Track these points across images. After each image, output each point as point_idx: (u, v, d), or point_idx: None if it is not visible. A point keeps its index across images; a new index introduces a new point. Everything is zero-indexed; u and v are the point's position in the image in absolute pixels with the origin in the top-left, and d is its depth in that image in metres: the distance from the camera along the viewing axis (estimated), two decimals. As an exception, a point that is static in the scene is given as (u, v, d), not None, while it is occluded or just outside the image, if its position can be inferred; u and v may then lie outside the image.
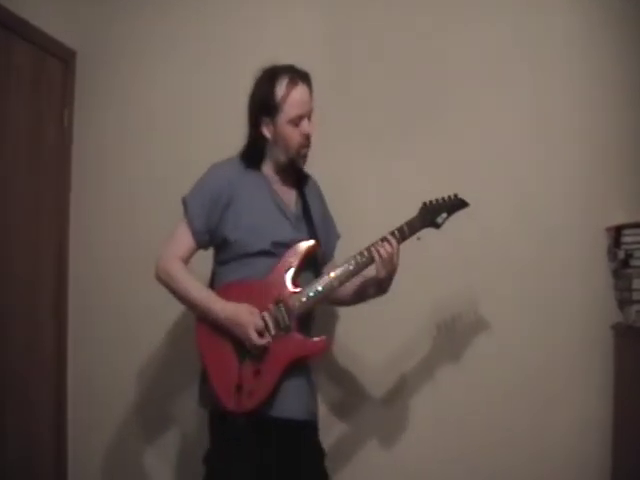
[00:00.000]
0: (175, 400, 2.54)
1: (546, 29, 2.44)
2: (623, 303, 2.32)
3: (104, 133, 2.65)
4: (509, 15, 2.46)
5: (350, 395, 2.49)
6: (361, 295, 2.09)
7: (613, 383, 2.34)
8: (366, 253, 1.95)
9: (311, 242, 1.98)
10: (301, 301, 1.91)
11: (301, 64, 2.01)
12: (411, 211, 2.01)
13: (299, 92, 1.96)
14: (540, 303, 2.40)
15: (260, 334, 1.86)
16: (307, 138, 2.00)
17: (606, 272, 2.37)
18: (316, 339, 1.94)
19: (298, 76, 1.98)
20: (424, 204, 2.03)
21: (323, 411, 2.34)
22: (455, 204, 2.04)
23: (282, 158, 2.01)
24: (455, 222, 2.37)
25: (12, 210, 2.38)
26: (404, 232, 1.97)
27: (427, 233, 1.98)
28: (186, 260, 1.98)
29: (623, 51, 2.41)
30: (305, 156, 2.03)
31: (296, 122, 1.96)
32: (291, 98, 1.95)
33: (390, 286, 2.00)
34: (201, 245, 1.99)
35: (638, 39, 2.40)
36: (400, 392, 2.46)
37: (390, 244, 1.94)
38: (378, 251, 1.93)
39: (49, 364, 2.56)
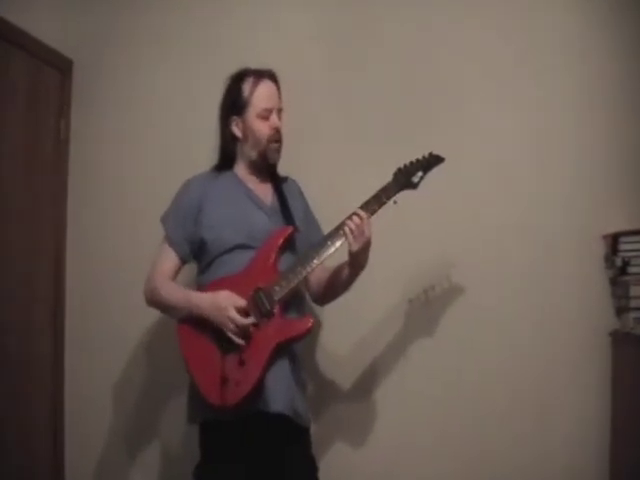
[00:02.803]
0: (173, 417, 2.53)
1: (545, 32, 2.43)
2: (620, 310, 2.31)
3: (101, 143, 2.64)
4: (508, 18, 2.45)
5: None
6: (336, 282, 2.07)
7: (611, 390, 2.33)
8: (339, 231, 1.94)
9: (288, 227, 1.99)
10: (281, 285, 1.90)
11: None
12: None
13: (265, 87, 2.03)
14: (537, 310, 2.39)
15: (244, 314, 1.85)
16: (277, 131, 2.04)
17: (603, 279, 2.37)
18: (300, 319, 1.92)
19: (264, 74, 2.05)
20: (398, 168, 2.03)
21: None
22: (430, 161, 2.04)
23: (253, 154, 2.05)
24: (453, 227, 2.42)
25: (8, 223, 2.36)
26: (380, 198, 1.97)
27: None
28: (172, 276, 2.02)
29: (623, 54, 2.40)
30: (277, 151, 2.06)
31: (265, 116, 2.02)
32: (257, 92, 2.02)
33: (367, 262, 1.99)
34: (183, 256, 2.03)
35: (638, 41, 2.40)
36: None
37: (358, 216, 1.93)
38: (348, 225, 1.93)
39: (46, 379, 2.55)
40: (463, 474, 2.40)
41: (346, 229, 1.92)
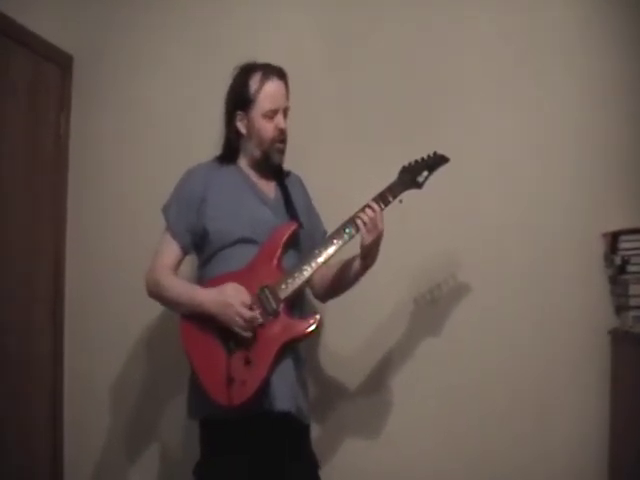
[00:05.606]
0: (173, 417, 2.52)
1: (545, 32, 2.44)
2: (620, 309, 2.32)
3: (101, 139, 2.64)
4: (508, 18, 2.45)
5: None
6: (344, 277, 2.06)
7: (610, 388, 2.34)
8: (350, 225, 1.94)
9: (292, 224, 1.98)
10: (287, 283, 1.89)
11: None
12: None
13: (273, 86, 2.00)
14: (537, 310, 2.39)
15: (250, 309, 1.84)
16: (282, 132, 2.02)
17: (603, 278, 2.37)
18: (305, 318, 1.91)
19: (272, 71, 2.01)
20: (403, 167, 2.03)
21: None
22: (435, 161, 2.03)
23: (256, 153, 2.03)
24: (452, 227, 2.43)
25: (8, 223, 2.36)
26: (386, 197, 1.97)
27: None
28: (174, 268, 1.99)
29: (623, 53, 2.41)
30: (281, 152, 2.05)
31: (270, 116, 1.99)
32: (264, 91, 1.98)
33: (377, 255, 1.99)
34: (185, 247, 2.00)
35: (638, 41, 2.40)
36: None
37: (372, 209, 1.93)
38: (361, 218, 1.93)
39: (46, 379, 2.55)
40: (463, 474, 2.40)
41: (359, 222, 1.93)
